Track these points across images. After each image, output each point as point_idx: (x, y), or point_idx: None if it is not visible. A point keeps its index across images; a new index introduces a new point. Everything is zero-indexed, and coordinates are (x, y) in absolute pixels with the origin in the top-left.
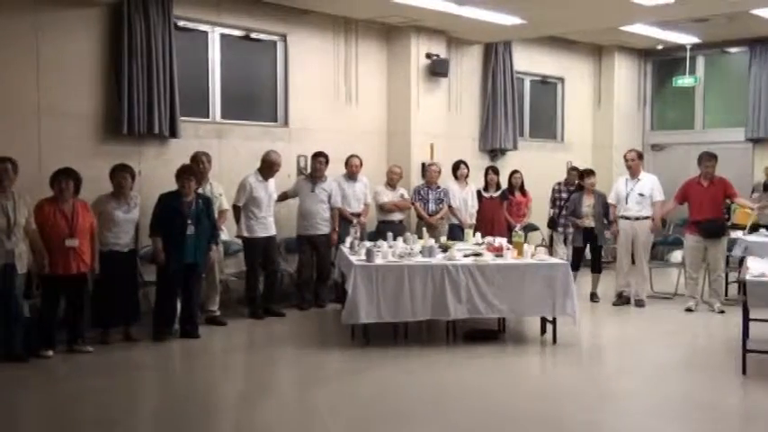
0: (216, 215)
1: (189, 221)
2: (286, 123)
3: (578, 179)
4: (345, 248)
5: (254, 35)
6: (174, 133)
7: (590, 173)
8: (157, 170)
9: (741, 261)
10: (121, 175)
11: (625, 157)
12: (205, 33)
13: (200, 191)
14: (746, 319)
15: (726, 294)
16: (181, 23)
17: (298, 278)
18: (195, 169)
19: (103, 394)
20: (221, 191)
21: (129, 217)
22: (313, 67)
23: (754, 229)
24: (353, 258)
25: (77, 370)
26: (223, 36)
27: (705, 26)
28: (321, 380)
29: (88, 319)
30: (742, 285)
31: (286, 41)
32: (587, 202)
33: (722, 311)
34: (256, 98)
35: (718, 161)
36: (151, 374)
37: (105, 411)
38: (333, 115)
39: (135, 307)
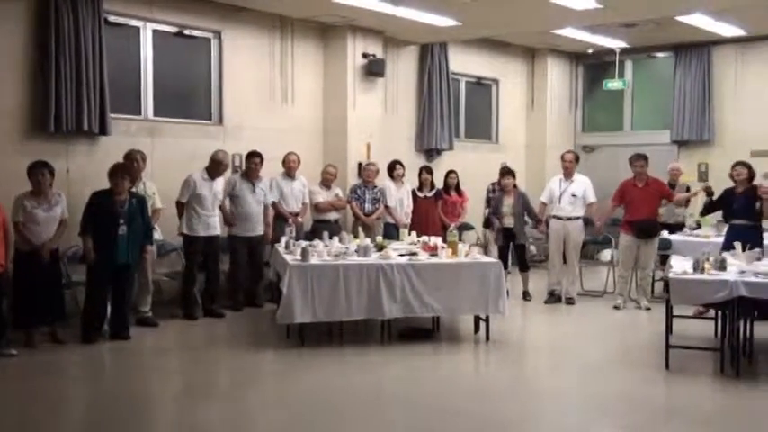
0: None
1: (121, 221)
2: (220, 122)
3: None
4: (281, 248)
5: (187, 32)
6: (104, 131)
7: (506, 173)
8: (87, 168)
9: (664, 259)
10: (39, 172)
11: (563, 157)
12: (137, 29)
13: (133, 190)
14: (669, 316)
15: (652, 292)
16: (111, 18)
17: (231, 278)
18: (129, 167)
19: (28, 398)
20: (154, 190)
21: (50, 215)
22: (248, 65)
23: (678, 228)
24: (289, 258)
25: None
26: (155, 32)
27: (633, 31)
28: (254, 380)
29: (10, 320)
30: (666, 283)
31: (221, 39)
32: (507, 202)
33: (648, 308)
34: (190, 96)
35: (648, 161)
36: (79, 377)
37: (29, 416)
38: (268, 114)
39: (59, 307)
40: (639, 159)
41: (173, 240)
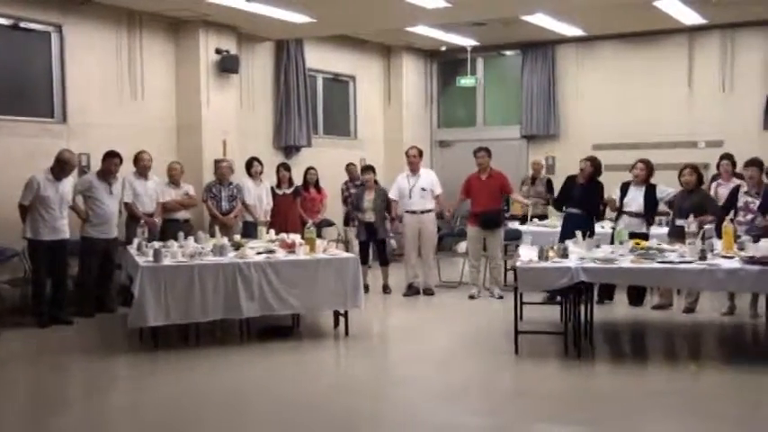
0: None
1: None
2: (64, 120)
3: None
4: (132, 250)
5: (23, 24)
6: None
7: (366, 169)
8: None
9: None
10: None
11: (408, 153)
12: None
13: None
14: (518, 303)
15: (506, 281)
16: None
17: (81, 283)
18: None
19: None
20: None
21: None
22: (93, 61)
23: (526, 219)
24: (140, 260)
25: None
26: None
27: (483, 30)
28: (106, 388)
29: None
30: (515, 272)
31: (62, 32)
32: (368, 198)
33: (501, 297)
34: (29, 92)
35: (491, 154)
36: None
37: None
38: (117, 111)
39: None
40: (480, 151)
41: (14, 245)
